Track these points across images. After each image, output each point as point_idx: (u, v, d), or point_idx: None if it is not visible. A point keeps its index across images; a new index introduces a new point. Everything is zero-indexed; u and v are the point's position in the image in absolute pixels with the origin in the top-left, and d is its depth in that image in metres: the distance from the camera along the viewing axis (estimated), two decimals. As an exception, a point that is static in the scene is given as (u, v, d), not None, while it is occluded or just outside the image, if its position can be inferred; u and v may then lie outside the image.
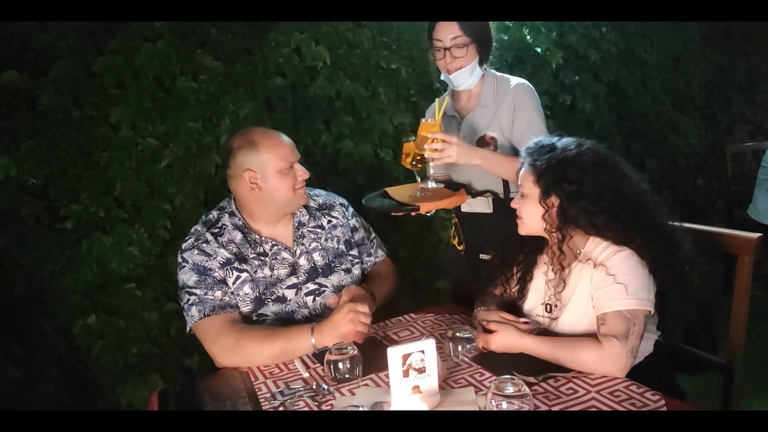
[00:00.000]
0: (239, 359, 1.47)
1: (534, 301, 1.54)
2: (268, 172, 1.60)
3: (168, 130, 2.22)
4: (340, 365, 1.31)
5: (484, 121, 1.90)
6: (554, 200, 1.40)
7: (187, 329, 1.57)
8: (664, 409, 1.14)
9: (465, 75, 1.85)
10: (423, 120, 1.78)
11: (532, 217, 1.45)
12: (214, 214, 1.69)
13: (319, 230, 1.76)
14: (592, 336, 1.34)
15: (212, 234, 1.62)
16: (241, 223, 1.67)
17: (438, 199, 1.78)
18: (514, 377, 1.12)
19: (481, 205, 1.95)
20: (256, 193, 1.61)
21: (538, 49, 3.09)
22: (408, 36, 2.69)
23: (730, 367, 1.55)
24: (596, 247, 1.40)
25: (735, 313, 1.54)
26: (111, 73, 2.12)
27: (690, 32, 3.86)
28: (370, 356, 1.36)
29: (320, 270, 1.71)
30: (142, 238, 2.20)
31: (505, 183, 1.91)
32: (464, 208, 2.00)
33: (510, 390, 1.08)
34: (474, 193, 1.93)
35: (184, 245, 1.62)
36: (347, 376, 1.32)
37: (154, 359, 2.28)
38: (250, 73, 2.34)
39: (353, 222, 1.85)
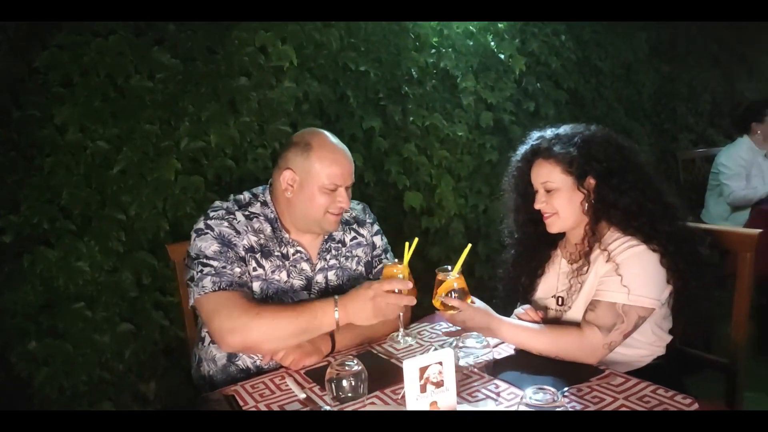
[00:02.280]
0: (257, 335, 1.33)
1: (543, 294, 1.53)
2: (308, 183, 1.48)
3: (121, 132, 2.03)
4: (344, 383, 1.18)
5: None
6: (591, 181, 1.39)
7: (190, 302, 1.43)
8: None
9: None
10: (386, 264, 1.48)
11: (568, 209, 1.41)
12: (246, 196, 1.58)
13: (340, 246, 1.64)
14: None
15: (245, 216, 1.51)
16: (273, 216, 1.55)
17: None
18: (544, 387, 1.03)
19: None
20: (288, 195, 1.51)
21: (502, 56, 3.08)
22: (376, 38, 2.60)
23: (734, 368, 1.53)
24: (614, 240, 1.38)
25: (737, 312, 1.53)
26: (56, 69, 1.93)
27: (639, 42, 3.97)
28: (371, 372, 1.23)
29: (331, 291, 1.59)
30: (92, 251, 1.99)
31: None
32: None
33: (545, 400, 0.98)
34: None
35: (211, 214, 1.49)
36: (350, 394, 1.19)
37: (106, 386, 2.06)
38: (212, 73, 2.17)
39: (374, 239, 1.72)
